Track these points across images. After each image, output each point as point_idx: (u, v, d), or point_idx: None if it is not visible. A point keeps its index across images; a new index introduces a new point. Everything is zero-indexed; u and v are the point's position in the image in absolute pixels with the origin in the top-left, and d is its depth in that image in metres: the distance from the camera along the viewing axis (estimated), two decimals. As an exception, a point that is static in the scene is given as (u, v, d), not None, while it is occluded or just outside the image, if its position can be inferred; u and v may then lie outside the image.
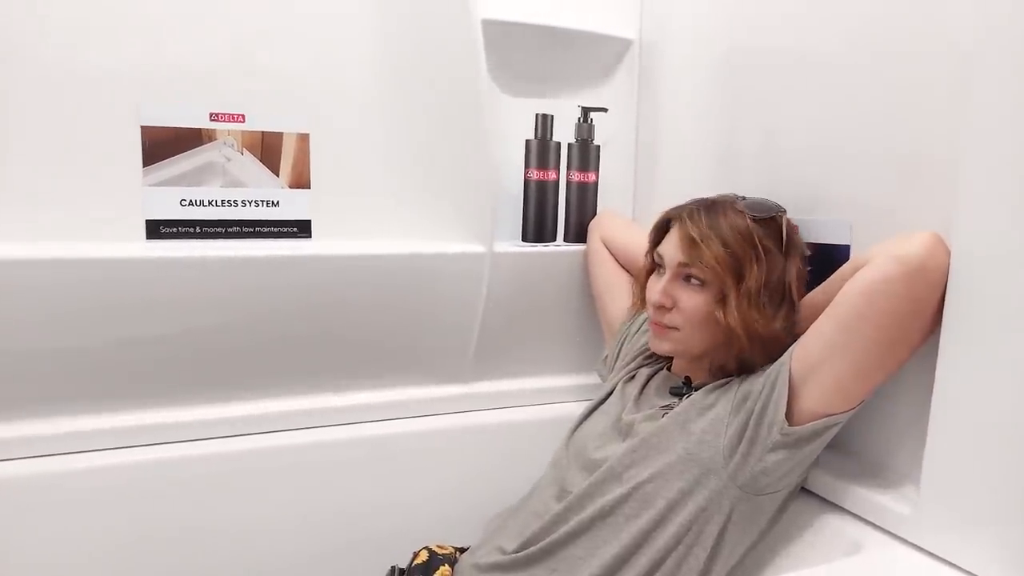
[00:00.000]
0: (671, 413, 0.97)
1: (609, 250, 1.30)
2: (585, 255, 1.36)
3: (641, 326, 1.18)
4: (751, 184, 1.10)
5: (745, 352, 0.96)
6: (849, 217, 0.99)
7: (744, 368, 0.98)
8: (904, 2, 0.92)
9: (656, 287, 1.00)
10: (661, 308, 0.99)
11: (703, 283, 0.96)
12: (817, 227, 1.03)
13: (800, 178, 1.08)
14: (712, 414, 0.94)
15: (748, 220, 0.95)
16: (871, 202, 0.96)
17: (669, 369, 1.10)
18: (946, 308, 0.83)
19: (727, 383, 0.97)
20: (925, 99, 0.89)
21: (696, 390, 1.00)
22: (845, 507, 0.97)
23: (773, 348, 0.94)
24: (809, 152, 1.06)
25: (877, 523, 0.92)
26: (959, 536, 0.83)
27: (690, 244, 0.95)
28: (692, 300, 0.97)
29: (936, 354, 0.84)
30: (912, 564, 0.85)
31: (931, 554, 0.85)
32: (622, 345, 1.21)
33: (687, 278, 0.97)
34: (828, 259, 1.00)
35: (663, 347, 1.02)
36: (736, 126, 1.21)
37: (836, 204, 1.01)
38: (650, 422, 0.99)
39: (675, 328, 0.99)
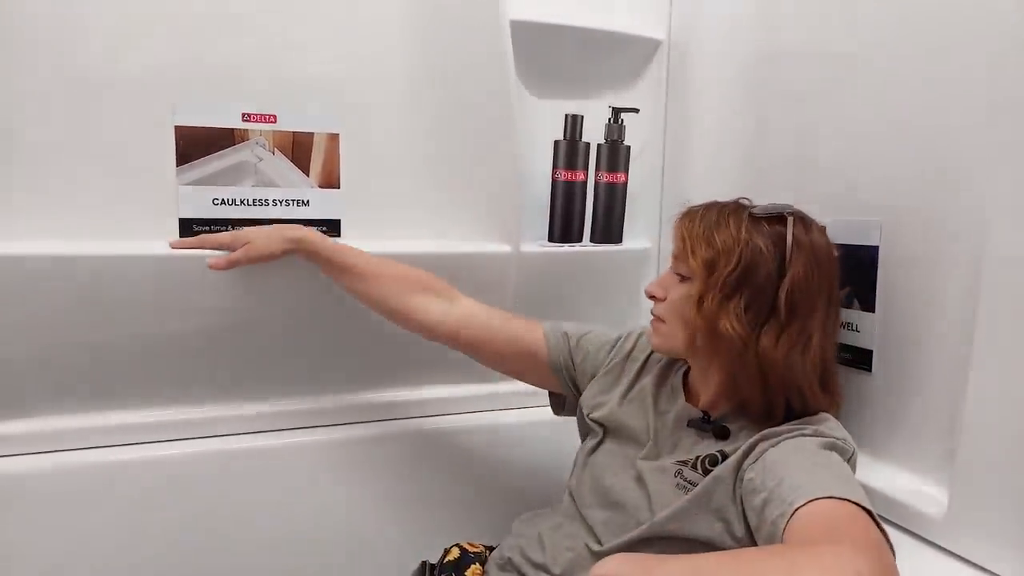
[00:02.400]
0: (696, 492, 0.87)
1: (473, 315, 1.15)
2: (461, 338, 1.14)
3: (614, 345, 1.11)
4: (780, 185, 1.10)
5: (737, 370, 0.89)
6: (879, 218, 0.98)
7: (759, 407, 0.90)
8: (935, 1, 0.91)
9: (655, 280, 1.00)
10: (652, 298, 0.99)
11: (688, 278, 0.93)
12: (846, 228, 1.02)
13: (830, 178, 1.07)
14: (735, 503, 0.85)
15: (746, 219, 0.90)
16: (901, 203, 0.96)
17: (677, 374, 1.03)
18: (980, 308, 0.82)
19: (750, 450, 0.85)
20: (957, 99, 0.89)
21: (717, 427, 0.93)
22: (874, 510, 0.96)
23: (767, 369, 0.87)
24: (839, 153, 1.06)
25: (907, 527, 0.92)
26: (990, 540, 0.82)
27: (680, 239, 0.94)
28: (676, 291, 0.95)
29: (970, 356, 0.83)
30: (943, 568, 0.85)
31: (962, 558, 0.85)
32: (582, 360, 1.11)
33: (679, 272, 0.96)
34: (856, 260, 1.00)
35: (654, 342, 0.99)
36: (766, 127, 1.21)
37: (866, 205, 1.01)
38: (663, 478, 0.93)
39: (663, 321, 0.97)
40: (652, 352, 1.07)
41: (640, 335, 1.09)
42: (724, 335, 0.87)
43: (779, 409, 0.89)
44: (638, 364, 1.06)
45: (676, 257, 0.96)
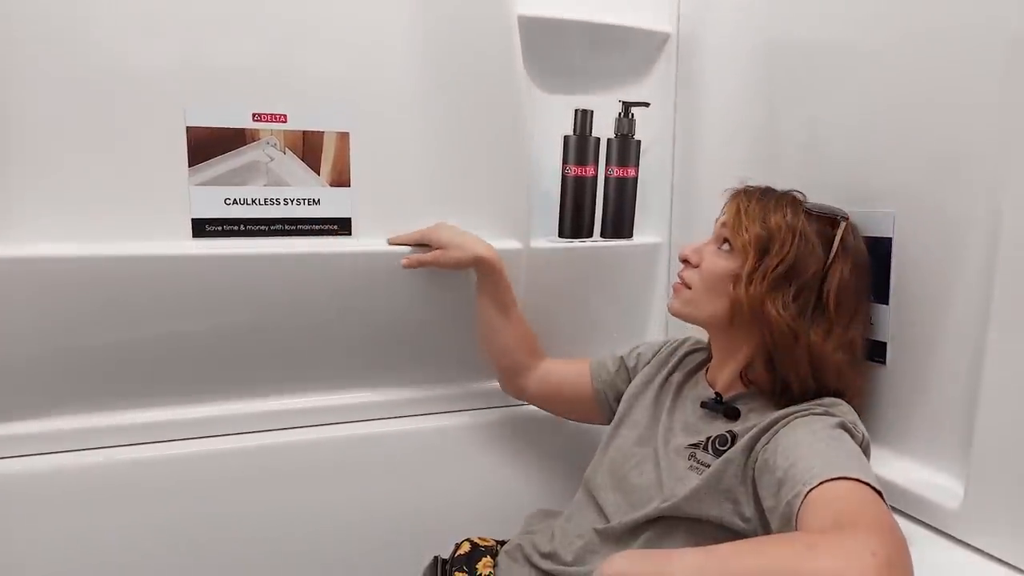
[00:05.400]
0: (708, 474, 0.88)
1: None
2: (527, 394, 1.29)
3: (655, 352, 1.16)
4: (792, 177, 1.09)
5: (771, 350, 0.91)
6: (892, 209, 0.98)
7: (780, 385, 0.92)
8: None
9: (691, 245, 1.03)
10: (685, 262, 1.01)
11: (732, 251, 0.96)
12: (859, 220, 1.01)
13: (842, 170, 1.06)
14: (745, 484, 0.86)
15: (801, 212, 0.94)
16: (915, 193, 0.95)
17: (703, 369, 1.07)
18: (995, 299, 0.81)
19: (763, 432, 0.87)
20: (970, 87, 0.88)
21: (728, 407, 0.96)
22: (890, 502, 0.96)
23: (817, 363, 0.89)
24: (851, 144, 1.05)
25: (923, 519, 0.91)
26: (1008, 532, 0.81)
27: (735, 213, 0.97)
28: (715, 261, 0.97)
29: (984, 344, 0.83)
30: (959, 560, 0.84)
31: (979, 550, 0.84)
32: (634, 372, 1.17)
33: (723, 242, 0.98)
34: (871, 252, 0.99)
35: (673, 305, 1.02)
36: (776, 119, 1.20)
37: (879, 196, 1.00)
38: (676, 460, 0.95)
39: (688, 287, 1.00)
40: (690, 352, 1.12)
41: (686, 340, 1.15)
42: (771, 320, 0.90)
43: (814, 394, 0.91)
44: (677, 358, 1.11)
45: (724, 225, 0.98)
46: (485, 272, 1.21)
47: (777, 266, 0.90)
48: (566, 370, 1.24)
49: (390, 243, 1.23)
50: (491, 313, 1.23)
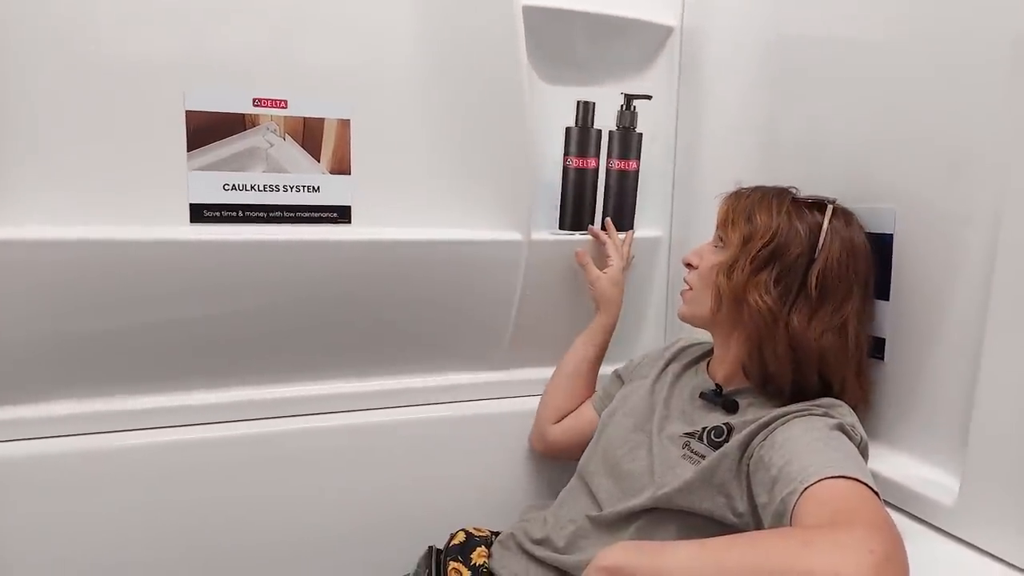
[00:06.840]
0: (702, 467, 0.88)
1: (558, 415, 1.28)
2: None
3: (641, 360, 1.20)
4: (794, 172, 1.09)
5: (765, 343, 0.91)
6: (893, 205, 0.97)
7: (763, 374, 0.93)
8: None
9: (692, 249, 1.07)
10: (687, 266, 1.05)
11: (724, 247, 0.98)
12: (861, 215, 1.01)
13: (844, 166, 1.06)
14: (739, 479, 0.86)
15: (788, 201, 0.96)
16: (917, 190, 0.95)
17: (704, 361, 1.08)
18: (993, 297, 0.81)
19: (760, 428, 0.86)
20: (973, 85, 0.87)
21: (727, 400, 0.96)
22: (885, 498, 0.96)
23: (797, 346, 0.89)
24: (854, 140, 1.05)
25: (918, 515, 0.91)
26: (1002, 528, 0.82)
27: (724, 212, 1.00)
28: (709, 259, 1.00)
29: (981, 342, 0.83)
30: (954, 556, 0.85)
31: (973, 546, 0.85)
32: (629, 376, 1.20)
33: (719, 241, 1.01)
34: (872, 248, 0.99)
35: (680, 309, 1.06)
36: (779, 114, 1.20)
37: (881, 192, 1.00)
38: (670, 447, 0.95)
39: (691, 288, 1.03)
40: (686, 347, 1.14)
41: (680, 339, 1.18)
42: (752, 306, 0.91)
43: (808, 390, 0.91)
44: (672, 352, 1.13)
45: (717, 227, 1.01)
46: (608, 319, 1.29)
47: (760, 250, 0.92)
48: (574, 415, 1.25)
49: (590, 232, 1.34)
50: (585, 357, 1.27)
